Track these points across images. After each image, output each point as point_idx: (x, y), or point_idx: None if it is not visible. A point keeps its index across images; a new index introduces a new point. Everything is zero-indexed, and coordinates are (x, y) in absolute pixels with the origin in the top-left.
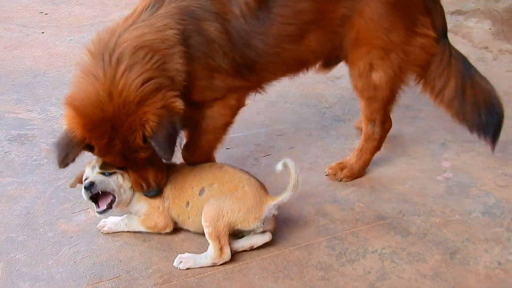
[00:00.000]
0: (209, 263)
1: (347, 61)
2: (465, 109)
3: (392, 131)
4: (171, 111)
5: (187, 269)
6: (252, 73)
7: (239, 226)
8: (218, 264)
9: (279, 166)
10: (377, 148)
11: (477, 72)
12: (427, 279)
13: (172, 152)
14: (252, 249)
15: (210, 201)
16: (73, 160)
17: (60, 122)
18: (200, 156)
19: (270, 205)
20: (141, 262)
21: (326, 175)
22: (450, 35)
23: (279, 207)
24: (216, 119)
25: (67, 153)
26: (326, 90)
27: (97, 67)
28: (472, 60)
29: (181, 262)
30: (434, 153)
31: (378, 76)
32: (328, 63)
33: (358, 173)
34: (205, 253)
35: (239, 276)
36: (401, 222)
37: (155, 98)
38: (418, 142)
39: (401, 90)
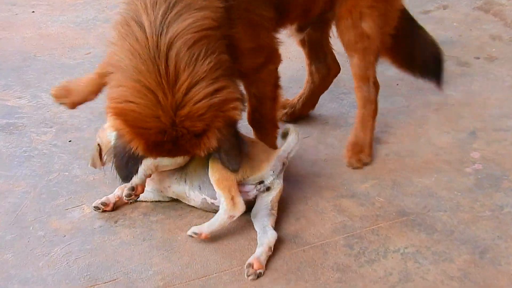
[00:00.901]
0: (225, 218)
1: (334, 17)
2: (414, 59)
3: (416, 119)
4: (234, 124)
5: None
6: (282, 17)
7: (248, 170)
8: (235, 217)
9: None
10: (376, 111)
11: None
12: (454, 281)
13: (238, 163)
14: (271, 252)
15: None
16: (136, 173)
17: (62, 112)
18: (268, 123)
19: (280, 152)
20: (141, 263)
21: (349, 166)
22: (480, 13)
23: (288, 158)
24: (267, 80)
25: (131, 170)
26: (343, 74)
27: (152, 78)
28: (504, 40)
29: (197, 234)
30: (462, 143)
31: (368, 26)
32: (305, 25)
33: (371, 145)
34: (217, 213)
35: (248, 278)
36: (426, 219)
37: (219, 119)
38: (444, 131)
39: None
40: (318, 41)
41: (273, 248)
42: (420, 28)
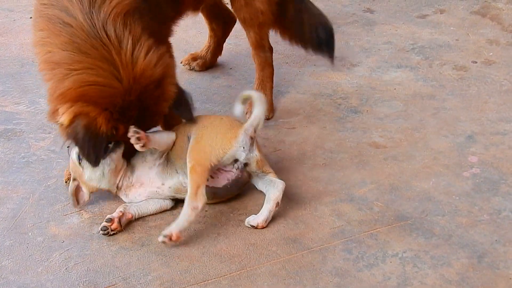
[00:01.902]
0: (189, 211)
1: None
2: (304, 30)
3: (413, 123)
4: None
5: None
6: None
7: (220, 151)
8: (199, 209)
9: (238, 107)
10: (273, 73)
11: None
12: (452, 285)
13: (192, 113)
14: (278, 207)
15: (193, 132)
16: (105, 153)
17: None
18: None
19: (245, 127)
20: (139, 268)
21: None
22: (477, 17)
23: (257, 130)
24: None
25: (98, 151)
26: (341, 79)
27: (97, 52)
28: (501, 44)
29: (166, 236)
30: (460, 147)
31: (260, 2)
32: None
33: (272, 102)
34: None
35: (247, 283)
36: (424, 223)
37: (169, 68)
38: (442, 135)
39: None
40: (213, 4)
41: (272, 253)
42: (308, 2)
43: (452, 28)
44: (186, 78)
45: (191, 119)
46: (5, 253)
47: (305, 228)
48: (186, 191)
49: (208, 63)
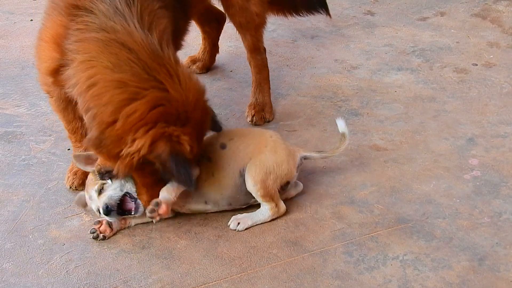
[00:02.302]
0: (268, 219)
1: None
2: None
3: (414, 126)
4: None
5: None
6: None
7: (285, 178)
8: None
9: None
10: (269, 74)
11: None
12: None
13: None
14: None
15: (252, 163)
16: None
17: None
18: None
19: (300, 152)
20: (140, 271)
21: (252, 123)
22: (478, 20)
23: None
24: None
25: (190, 173)
26: (342, 81)
27: (163, 66)
28: (502, 47)
29: (238, 223)
30: (460, 149)
31: (254, 4)
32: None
33: (271, 104)
34: (259, 210)
35: (247, 285)
36: (425, 226)
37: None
38: (442, 138)
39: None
40: (204, 8)
41: (272, 256)
42: None
43: (452, 30)
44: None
45: (220, 130)
46: (5, 255)
47: (306, 231)
48: (208, 209)
49: (208, 63)
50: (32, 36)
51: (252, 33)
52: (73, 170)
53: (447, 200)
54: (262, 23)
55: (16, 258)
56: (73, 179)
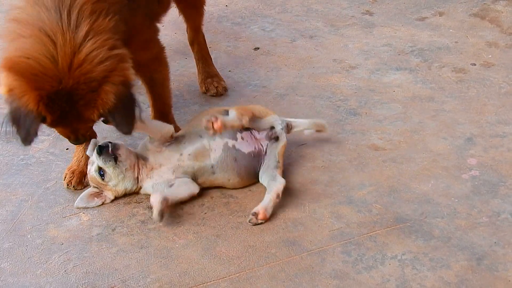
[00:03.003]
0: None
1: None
2: None
3: (412, 125)
4: (129, 85)
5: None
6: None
7: (263, 113)
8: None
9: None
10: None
11: None
12: (451, 287)
13: (131, 126)
14: (279, 199)
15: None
16: (36, 134)
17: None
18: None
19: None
20: (138, 270)
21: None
22: (476, 20)
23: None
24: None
25: (28, 130)
26: (340, 81)
27: (53, 25)
28: (500, 47)
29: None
30: (459, 149)
31: None
32: None
33: (219, 74)
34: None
35: (246, 285)
36: (423, 225)
37: (116, 73)
38: (441, 137)
39: None
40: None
41: (271, 255)
42: None
43: (451, 30)
44: (184, 81)
45: (127, 134)
46: (4, 255)
47: (304, 231)
48: (208, 155)
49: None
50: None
51: (200, 11)
52: (71, 169)
53: (446, 200)
54: (204, 2)
55: (14, 258)
56: (71, 177)
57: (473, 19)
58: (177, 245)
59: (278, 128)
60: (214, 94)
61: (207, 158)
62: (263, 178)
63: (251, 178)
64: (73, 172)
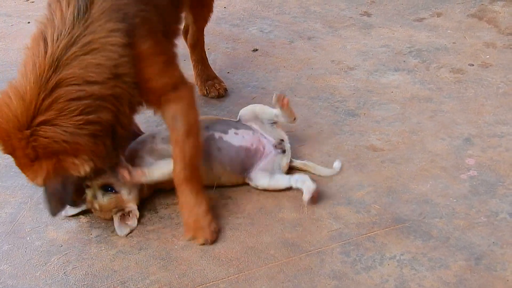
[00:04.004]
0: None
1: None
2: None
3: (410, 126)
4: (69, 175)
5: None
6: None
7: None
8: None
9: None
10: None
11: None
12: (450, 287)
13: (56, 211)
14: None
15: None
16: None
17: None
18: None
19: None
20: (137, 272)
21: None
22: (474, 20)
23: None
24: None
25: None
26: (339, 82)
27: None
28: (498, 47)
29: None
30: (457, 149)
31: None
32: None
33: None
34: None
35: (245, 286)
36: (422, 225)
37: (59, 157)
38: (439, 138)
39: None
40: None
41: (269, 256)
42: None
43: (449, 31)
44: None
45: (51, 213)
46: (3, 257)
47: (303, 231)
48: None
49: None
50: (29, 39)
51: (210, 8)
52: None
53: (444, 200)
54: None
55: (13, 260)
56: None
57: (471, 19)
58: (176, 247)
59: (287, 143)
60: (215, 96)
61: None
62: (276, 183)
63: (236, 173)
64: None
